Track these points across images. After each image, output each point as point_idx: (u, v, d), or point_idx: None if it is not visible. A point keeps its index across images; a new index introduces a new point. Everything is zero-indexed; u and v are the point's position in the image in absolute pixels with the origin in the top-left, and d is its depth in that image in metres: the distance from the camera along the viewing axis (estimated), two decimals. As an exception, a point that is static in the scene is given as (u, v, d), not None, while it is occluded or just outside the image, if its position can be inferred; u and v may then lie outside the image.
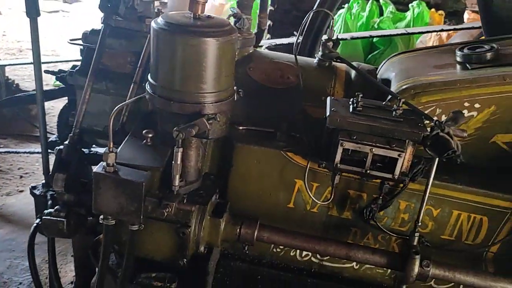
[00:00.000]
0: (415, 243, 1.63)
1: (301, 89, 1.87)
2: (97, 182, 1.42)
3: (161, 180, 1.58)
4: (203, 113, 1.47)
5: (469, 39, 3.77)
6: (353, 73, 1.97)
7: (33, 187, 2.11)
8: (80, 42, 2.05)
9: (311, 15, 2.68)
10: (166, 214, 1.45)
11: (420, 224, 1.63)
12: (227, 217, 1.67)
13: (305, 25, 2.57)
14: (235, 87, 1.58)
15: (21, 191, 4.14)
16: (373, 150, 1.54)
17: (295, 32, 2.16)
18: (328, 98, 1.66)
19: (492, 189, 1.70)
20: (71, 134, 1.88)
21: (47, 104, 2.33)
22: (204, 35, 1.33)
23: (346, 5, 4.95)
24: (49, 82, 5.16)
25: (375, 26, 4.67)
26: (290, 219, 1.84)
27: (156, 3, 2.06)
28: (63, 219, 1.78)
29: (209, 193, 1.64)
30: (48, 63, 5.33)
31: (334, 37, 1.99)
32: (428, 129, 1.55)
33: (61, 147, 1.87)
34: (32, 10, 2.04)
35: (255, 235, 1.66)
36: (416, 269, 1.59)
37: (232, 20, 1.92)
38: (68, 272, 3.16)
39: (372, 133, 1.54)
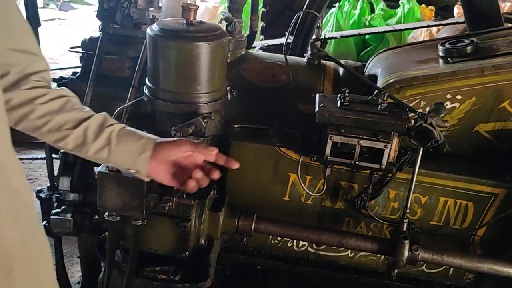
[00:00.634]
0: (404, 229, 1.72)
1: (292, 87, 1.96)
2: (101, 181, 1.51)
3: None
4: (199, 112, 1.57)
5: (455, 33, 3.87)
6: (341, 70, 2.06)
7: (39, 191, 2.19)
8: (79, 49, 2.14)
9: (300, 16, 2.77)
10: (167, 208, 1.53)
11: (408, 211, 1.72)
12: (225, 210, 1.76)
13: (295, 25, 2.65)
14: (228, 87, 1.67)
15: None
16: (361, 142, 1.63)
17: (286, 33, 2.24)
18: (317, 95, 1.75)
19: (476, 175, 1.79)
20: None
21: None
22: (196, 40, 1.42)
23: (337, 4, 5.03)
24: (49, 89, 5.24)
25: (366, 23, 4.76)
26: (286, 211, 1.93)
27: (151, 10, 2.14)
28: (70, 218, 1.87)
29: (207, 189, 1.72)
30: (47, 71, 5.40)
31: (323, 37, 2.09)
32: (412, 121, 1.64)
33: (66, 150, 1.95)
34: (33, 20, 2.13)
35: (253, 226, 1.75)
36: (406, 253, 1.68)
37: (224, 24, 2.00)
38: (74, 273, 3.23)
39: (359, 126, 1.63)
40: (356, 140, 1.63)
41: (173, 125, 1.51)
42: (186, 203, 1.60)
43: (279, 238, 2.02)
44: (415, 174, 1.67)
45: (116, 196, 1.52)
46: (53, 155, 2.18)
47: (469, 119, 1.82)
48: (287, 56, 2.03)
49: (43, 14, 9.62)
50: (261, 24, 3.86)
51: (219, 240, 1.87)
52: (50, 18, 9.96)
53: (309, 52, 2.06)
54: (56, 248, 2.21)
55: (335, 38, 3.08)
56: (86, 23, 8.87)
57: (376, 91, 1.78)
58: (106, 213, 1.59)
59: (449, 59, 1.89)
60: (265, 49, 3.31)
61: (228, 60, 1.88)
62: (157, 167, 1.30)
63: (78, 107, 1.29)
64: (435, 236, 1.87)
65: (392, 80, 1.84)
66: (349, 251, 2.00)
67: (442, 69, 1.84)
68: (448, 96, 1.79)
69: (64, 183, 1.86)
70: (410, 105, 1.77)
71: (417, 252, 1.69)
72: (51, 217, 1.89)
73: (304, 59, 2.09)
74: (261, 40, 3.67)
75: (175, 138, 1.35)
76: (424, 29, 4.34)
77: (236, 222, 1.75)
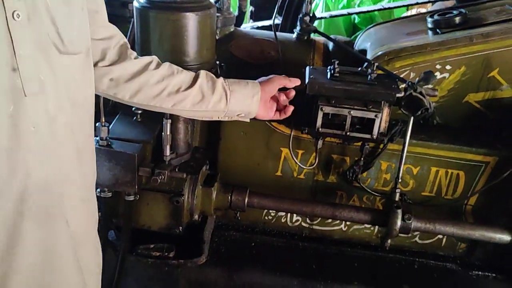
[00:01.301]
0: (396, 199, 1.73)
1: (281, 63, 1.95)
2: (92, 157, 1.50)
3: (153, 154, 1.67)
4: (188, 85, 1.55)
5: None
6: (331, 45, 2.06)
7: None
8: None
9: (289, -5, 2.76)
10: (159, 181, 1.53)
11: (400, 180, 1.72)
12: (218, 186, 1.76)
13: (283, 5, 2.65)
14: (217, 62, 1.66)
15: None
16: (351, 112, 1.63)
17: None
18: (307, 68, 1.74)
19: (466, 144, 1.80)
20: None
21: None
22: (184, 10, 1.41)
23: (326, -12, 5.00)
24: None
25: (356, 7, 4.74)
26: (279, 187, 1.93)
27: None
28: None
29: (199, 164, 1.72)
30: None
31: (312, 12, 2.08)
32: (402, 91, 1.64)
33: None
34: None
35: (246, 201, 1.75)
36: (399, 222, 1.69)
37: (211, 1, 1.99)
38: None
39: (350, 97, 1.63)
40: (347, 110, 1.63)
41: (163, 98, 1.50)
42: (178, 177, 1.60)
43: (272, 214, 2.02)
44: (406, 144, 1.68)
45: (108, 171, 1.51)
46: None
47: (459, 89, 1.83)
48: (277, 33, 2.02)
49: None
50: (250, 8, 3.83)
51: (212, 216, 1.87)
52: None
53: (298, 28, 2.06)
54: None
55: (324, 18, 3.06)
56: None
57: (366, 63, 1.78)
58: (98, 190, 1.58)
59: (438, 30, 1.89)
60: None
61: (217, 37, 1.86)
62: (262, 105, 1.41)
63: (178, 67, 1.32)
64: (428, 207, 1.88)
65: (381, 52, 1.85)
66: (342, 225, 2.01)
67: (431, 39, 1.84)
68: (438, 66, 1.79)
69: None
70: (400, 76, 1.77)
71: (410, 221, 1.70)
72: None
73: (294, 35, 2.08)
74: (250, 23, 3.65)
75: (269, 76, 1.45)
76: (415, 8, 4.32)
77: (229, 197, 1.75)
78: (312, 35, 2.10)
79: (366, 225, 1.97)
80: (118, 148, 1.48)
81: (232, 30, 2.08)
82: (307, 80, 1.67)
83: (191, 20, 1.42)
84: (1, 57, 0.81)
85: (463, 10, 1.94)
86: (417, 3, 2.74)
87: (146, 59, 1.26)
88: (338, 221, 1.98)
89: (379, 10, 2.79)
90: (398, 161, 1.75)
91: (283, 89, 1.49)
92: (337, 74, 1.67)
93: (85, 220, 1.10)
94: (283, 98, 1.48)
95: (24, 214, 0.90)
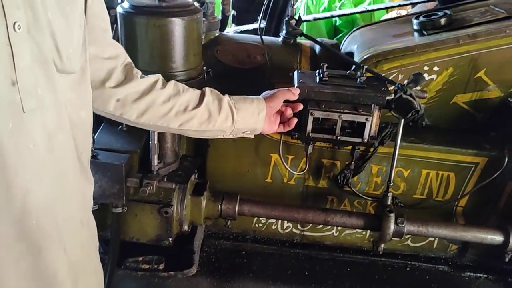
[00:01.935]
0: (388, 203, 1.71)
1: (268, 67, 1.92)
2: (77, 169, 1.44)
3: (140, 164, 1.62)
4: (175, 92, 1.51)
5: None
6: (317, 48, 2.04)
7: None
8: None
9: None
10: (148, 192, 1.48)
11: (392, 184, 1.71)
12: (207, 194, 1.72)
13: (267, 9, 2.62)
14: (204, 67, 1.63)
15: None
16: (342, 116, 1.61)
17: (259, 18, 2.20)
18: (295, 72, 1.72)
19: (456, 145, 1.80)
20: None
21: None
22: (170, 15, 1.37)
23: (307, -9, 5.01)
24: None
25: (337, 9, 4.76)
26: (269, 194, 1.90)
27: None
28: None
29: (188, 173, 1.68)
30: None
31: (297, 17, 2.06)
32: (392, 94, 1.63)
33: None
34: None
35: (237, 209, 1.71)
36: (392, 226, 1.68)
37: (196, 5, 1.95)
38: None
39: (339, 100, 1.60)
40: (337, 114, 1.61)
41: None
42: (167, 187, 1.55)
43: (263, 222, 1.99)
44: (397, 147, 1.67)
45: (94, 183, 1.45)
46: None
47: (446, 90, 1.83)
48: (263, 37, 1.99)
49: None
50: (232, 12, 3.80)
51: (202, 226, 1.83)
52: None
53: (284, 31, 2.03)
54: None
55: (308, 21, 3.05)
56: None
57: (354, 66, 1.76)
58: (84, 203, 1.52)
59: (424, 31, 1.90)
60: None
61: (202, 42, 1.83)
62: (267, 121, 1.39)
63: (183, 86, 1.28)
64: (419, 210, 1.87)
65: (368, 55, 1.83)
66: (334, 230, 1.99)
67: (418, 41, 1.84)
68: (426, 68, 1.79)
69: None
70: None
71: (403, 225, 1.69)
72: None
73: (280, 39, 2.06)
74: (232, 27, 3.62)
75: (273, 91, 1.43)
76: (395, 11, 4.37)
77: (219, 206, 1.71)
78: (298, 39, 2.08)
79: (358, 230, 1.95)
80: (104, 159, 1.43)
81: (217, 34, 2.04)
82: (296, 85, 1.65)
83: (178, 26, 1.38)
84: (1, 68, 0.76)
85: (448, 12, 1.94)
86: (399, 5, 2.75)
87: (152, 78, 1.21)
88: (329, 227, 1.96)
89: (361, 12, 2.78)
90: (388, 164, 1.74)
91: (285, 100, 1.46)
92: (326, 78, 1.65)
93: (86, 246, 1.06)
94: (289, 112, 1.45)
95: (21, 235, 0.86)
